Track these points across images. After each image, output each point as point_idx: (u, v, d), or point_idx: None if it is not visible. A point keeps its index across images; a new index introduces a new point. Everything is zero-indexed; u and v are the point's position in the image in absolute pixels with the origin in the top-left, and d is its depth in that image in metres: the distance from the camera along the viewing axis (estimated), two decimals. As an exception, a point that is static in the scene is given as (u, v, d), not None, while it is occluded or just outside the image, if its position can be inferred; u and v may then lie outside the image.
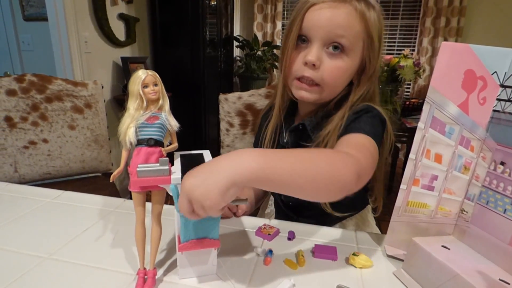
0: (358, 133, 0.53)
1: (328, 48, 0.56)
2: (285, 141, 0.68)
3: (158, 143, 0.42)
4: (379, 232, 0.74)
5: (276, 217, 0.77)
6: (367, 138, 0.52)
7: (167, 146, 0.45)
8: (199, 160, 0.46)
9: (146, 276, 0.43)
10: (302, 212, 0.71)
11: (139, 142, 0.42)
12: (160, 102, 0.43)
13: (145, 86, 0.42)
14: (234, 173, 0.35)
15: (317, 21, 0.55)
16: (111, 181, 0.44)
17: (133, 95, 0.42)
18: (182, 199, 0.36)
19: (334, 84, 0.59)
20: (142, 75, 0.41)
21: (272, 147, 0.70)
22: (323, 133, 0.59)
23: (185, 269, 0.45)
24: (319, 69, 0.57)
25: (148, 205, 0.44)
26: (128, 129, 0.41)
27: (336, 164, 0.42)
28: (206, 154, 0.47)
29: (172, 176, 0.40)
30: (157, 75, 0.43)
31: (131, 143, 0.42)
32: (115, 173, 0.43)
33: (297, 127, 0.65)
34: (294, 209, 0.73)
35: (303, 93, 0.60)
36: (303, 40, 0.58)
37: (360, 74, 0.61)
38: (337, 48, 0.56)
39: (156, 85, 0.42)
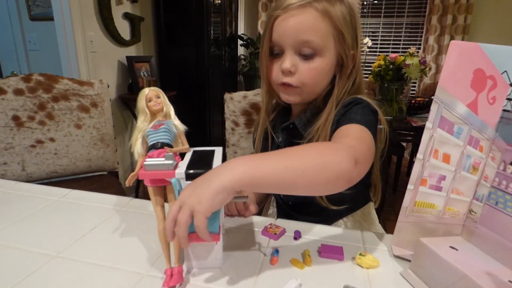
0: (349, 124, 0.54)
1: (300, 53, 0.58)
2: (279, 140, 0.70)
3: (166, 146, 0.45)
4: (383, 230, 0.73)
5: (278, 217, 0.77)
6: (359, 127, 0.53)
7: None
8: (209, 156, 0.47)
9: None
10: (302, 209, 0.72)
11: (150, 148, 0.45)
12: (165, 110, 0.47)
13: (149, 100, 0.46)
14: (223, 179, 0.38)
15: (283, 32, 0.57)
16: (127, 185, 0.46)
17: (140, 110, 0.47)
18: (175, 205, 0.38)
19: (313, 84, 0.61)
20: (145, 91, 0.46)
21: (263, 149, 0.72)
22: (313, 129, 0.60)
23: (190, 261, 0.46)
24: (296, 74, 0.59)
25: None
26: (136, 140, 0.45)
27: (325, 153, 0.43)
28: (218, 150, 0.49)
29: (176, 171, 0.42)
30: (160, 90, 0.47)
31: (140, 152, 0.46)
32: (130, 177, 0.44)
33: (287, 126, 0.67)
34: (293, 208, 0.74)
35: (287, 97, 0.63)
36: (276, 50, 0.61)
37: (342, 68, 0.62)
38: (309, 51, 0.57)
39: (159, 97, 0.47)
